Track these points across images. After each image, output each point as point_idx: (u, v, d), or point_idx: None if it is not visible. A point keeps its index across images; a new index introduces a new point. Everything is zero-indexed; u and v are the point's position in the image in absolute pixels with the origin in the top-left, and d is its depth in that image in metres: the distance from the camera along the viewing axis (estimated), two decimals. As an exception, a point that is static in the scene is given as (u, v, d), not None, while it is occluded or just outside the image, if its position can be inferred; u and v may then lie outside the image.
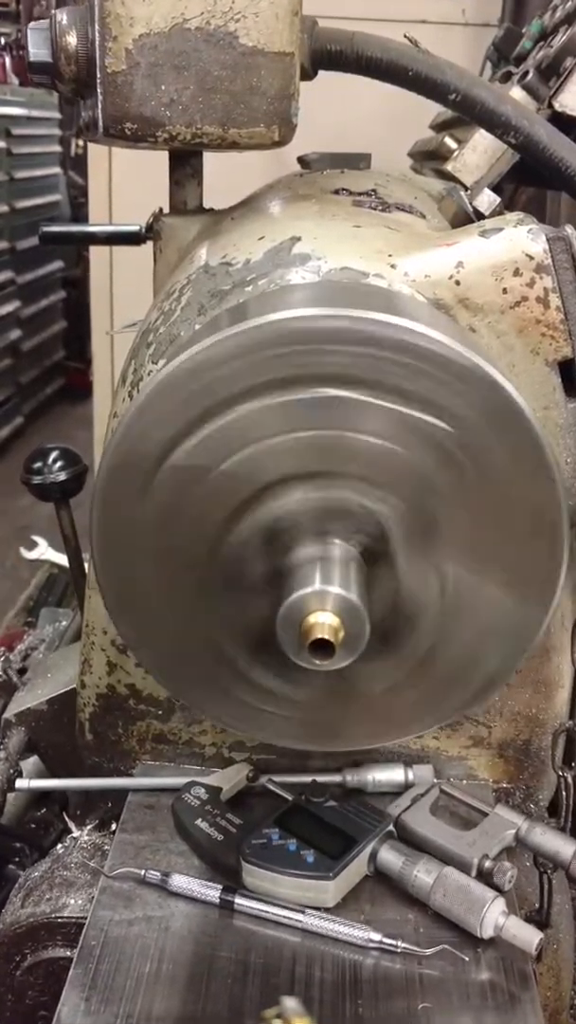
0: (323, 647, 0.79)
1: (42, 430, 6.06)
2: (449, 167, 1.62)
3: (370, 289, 0.95)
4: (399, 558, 0.87)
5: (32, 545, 2.67)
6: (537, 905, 1.22)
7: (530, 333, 1.01)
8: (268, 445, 0.83)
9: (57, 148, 6.41)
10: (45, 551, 2.63)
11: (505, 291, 0.99)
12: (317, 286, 0.95)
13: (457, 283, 0.99)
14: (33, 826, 1.48)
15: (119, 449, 0.83)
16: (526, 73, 1.74)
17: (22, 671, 2.06)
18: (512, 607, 0.90)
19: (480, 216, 1.17)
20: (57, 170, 6.47)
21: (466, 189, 1.58)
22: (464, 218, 1.20)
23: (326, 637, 0.78)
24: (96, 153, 3.05)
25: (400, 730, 1.03)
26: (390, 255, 1.01)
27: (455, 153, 1.64)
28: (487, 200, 1.15)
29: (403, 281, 0.99)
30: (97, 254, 3.19)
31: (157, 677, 0.99)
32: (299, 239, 1.03)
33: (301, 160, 1.42)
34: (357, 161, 1.39)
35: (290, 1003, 0.90)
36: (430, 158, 1.90)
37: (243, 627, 0.91)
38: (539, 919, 1.21)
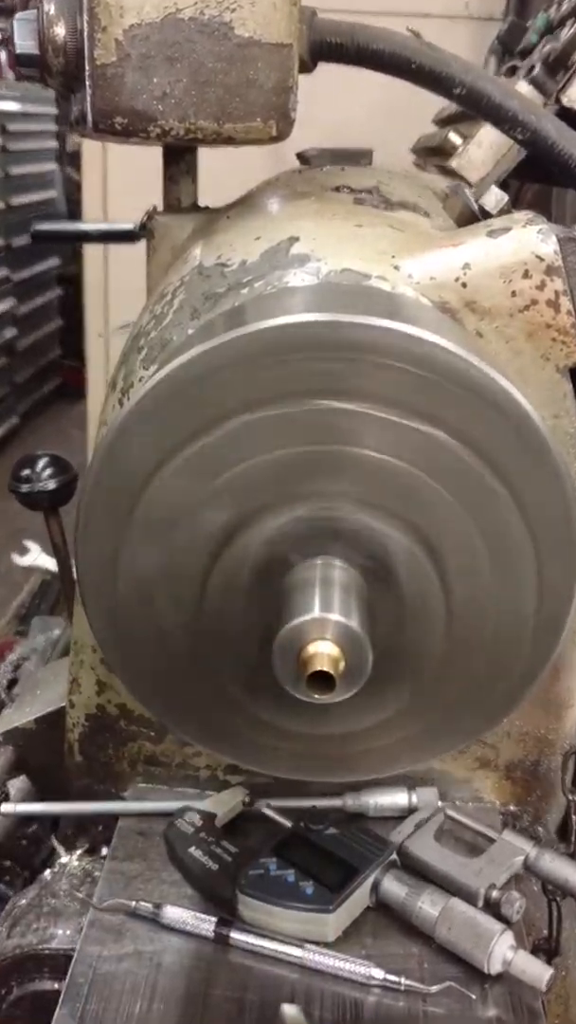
0: (322, 679, 0.74)
1: (38, 430, 6.01)
2: (453, 164, 1.57)
3: (372, 292, 0.90)
4: (403, 579, 0.82)
5: (24, 551, 2.62)
6: (546, 933, 1.18)
7: (540, 338, 0.96)
8: (264, 461, 0.78)
9: (53, 144, 6.35)
10: (38, 557, 2.58)
11: (514, 294, 0.94)
12: (316, 290, 0.90)
13: (464, 285, 0.94)
14: (24, 842, 1.44)
15: (103, 465, 0.78)
16: (532, 67, 1.69)
17: (12, 683, 2.02)
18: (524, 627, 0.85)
19: (487, 215, 1.12)
20: (53, 166, 6.41)
21: (470, 186, 1.53)
22: (470, 217, 1.15)
23: (326, 669, 0.73)
24: (91, 149, 3.00)
25: (410, 759, 0.98)
26: (393, 256, 0.96)
27: (459, 149, 1.59)
28: (495, 198, 1.09)
29: (407, 283, 0.94)
30: (92, 252, 3.14)
31: (148, 709, 0.94)
32: (297, 239, 0.98)
33: (300, 156, 1.38)
34: (358, 157, 1.34)
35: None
36: (433, 154, 1.85)
37: (238, 654, 0.86)
38: (548, 948, 1.17)
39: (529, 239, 0.94)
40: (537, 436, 0.76)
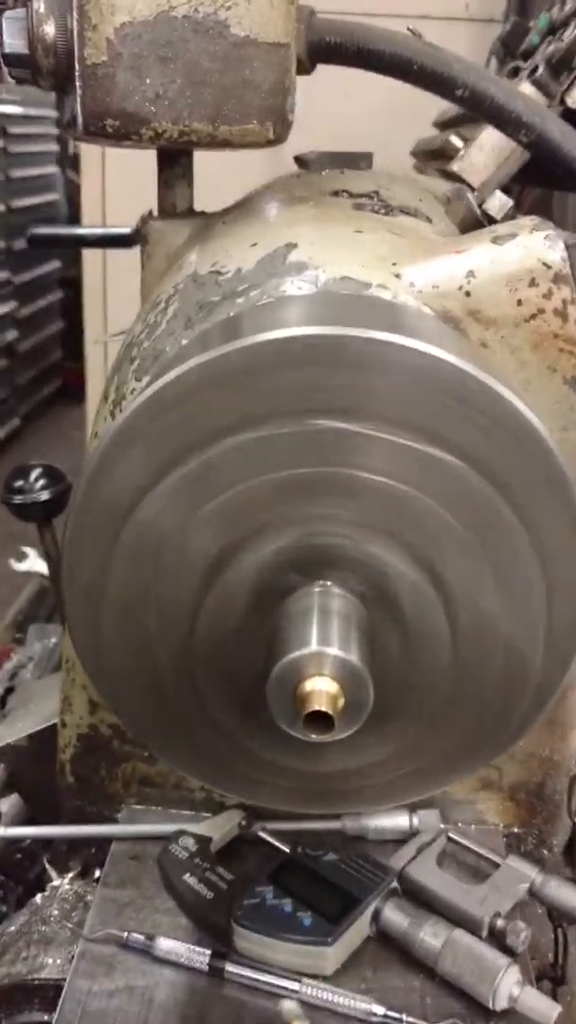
0: (321, 717, 0.70)
1: (39, 432, 5.98)
2: (454, 167, 1.53)
3: (373, 302, 0.86)
4: (406, 608, 0.78)
5: (22, 556, 2.59)
6: (551, 958, 1.14)
7: (547, 348, 0.92)
8: (259, 482, 0.74)
9: (55, 147, 6.32)
10: (35, 563, 2.54)
11: (520, 303, 0.90)
12: (314, 300, 0.86)
13: (468, 294, 0.90)
14: (18, 856, 1.41)
15: (91, 484, 0.74)
16: (535, 68, 1.65)
17: (8, 691, 1.98)
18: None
19: (491, 220, 1.09)
20: (55, 169, 6.39)
21: (472, 190, 1.50)
22: (473, 222, 1.11)
23: (324, 709, 0.69)
24: (89, 151, 2.97)
25: (414, 791, 0.94)
26: (394, 263, 0.92)
27: (460, 152, 1.55)
28: (499, 203, 1.06)
29: (409, 292, 0.90)
30: (90, 255, 3.11)
31: (137, 737, 0.91)
32: (295, 246, 0.95)
33: (298, 159, 1.34)
34: (358, 160, 1.30)
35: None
36: (434, 157, 1.82)
37: (230, 688, 0.82)
38: (554, 975, 1.13)
39: (536, 246, 0.90)
40: (548, 458, 0.72)
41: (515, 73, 1.84)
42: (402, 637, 0.78)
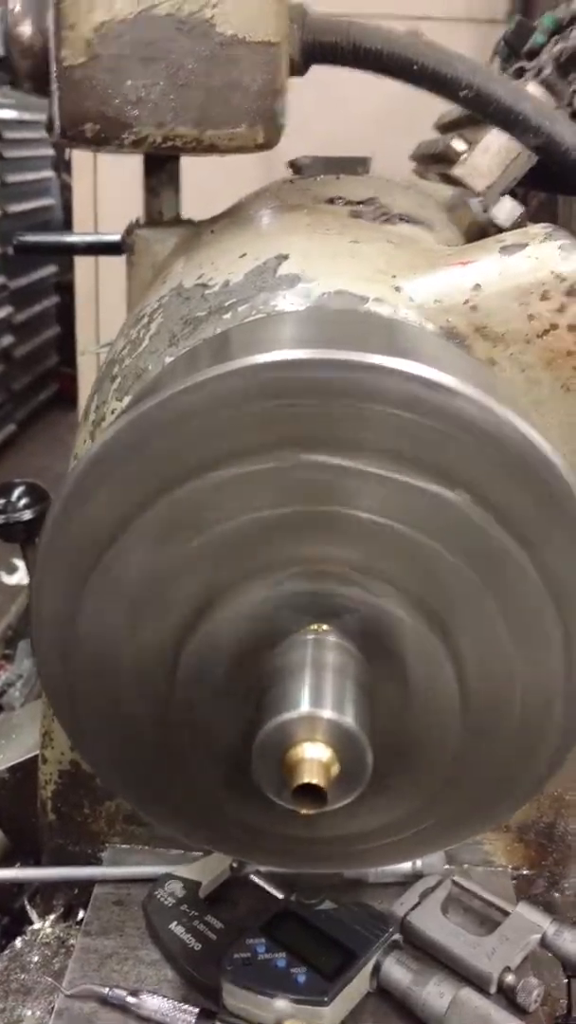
0: (312, 788, 0.63)
1: (35, 438, 5.93)
2: (457, 171, 1.48)
3: (370, 319, 0.80)
4: (408, 661, 0.71)
5: (12, 568, 2.52)
6: (563, 1002, 1.08)
7: (560, 366, 0.85)
8: (246, 522, 0.67)
9: (50, 152, 6.27)
10: (25, 576, 2.47)
11: (531, 318, 0.84)
12: (306, 318, 0.80)
13: (474, 309, 0.84)
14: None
15: (60, 521, 0.68)
16: (542, 68, 1.60)
17: (-4, 710, 1.92)
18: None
19: (498, 228, 1.03)
20: (50, 174, 6.33)
21: (476, 195, 1.44)
22: (479, 230, 1.05)
23: (315, 781, 0.62)
24: (80, 155, 2.92)
25: (417, 851, 0.88)
26: (394, 276, 0.86)
27: (463, 156, 1.50)
28: (507, 210, 1.00)
29: (409, 307, 0.84)
30: (82, 262, 3.05)
31: (117, 794, 0.85)
32: (286, 257, 0.89)
33: (292, 164, 1.28)
34: (355, 165, 1.25)
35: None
36: (435, 161, 1.76)
37: (214, 747, 0.75)
38: (564, 1027, 1.07)
39: (548, 256, 0.84)
40: (565, 496, 0.65)
41: (520, 73, 1.79)
42: (404, 693, 0.71)
